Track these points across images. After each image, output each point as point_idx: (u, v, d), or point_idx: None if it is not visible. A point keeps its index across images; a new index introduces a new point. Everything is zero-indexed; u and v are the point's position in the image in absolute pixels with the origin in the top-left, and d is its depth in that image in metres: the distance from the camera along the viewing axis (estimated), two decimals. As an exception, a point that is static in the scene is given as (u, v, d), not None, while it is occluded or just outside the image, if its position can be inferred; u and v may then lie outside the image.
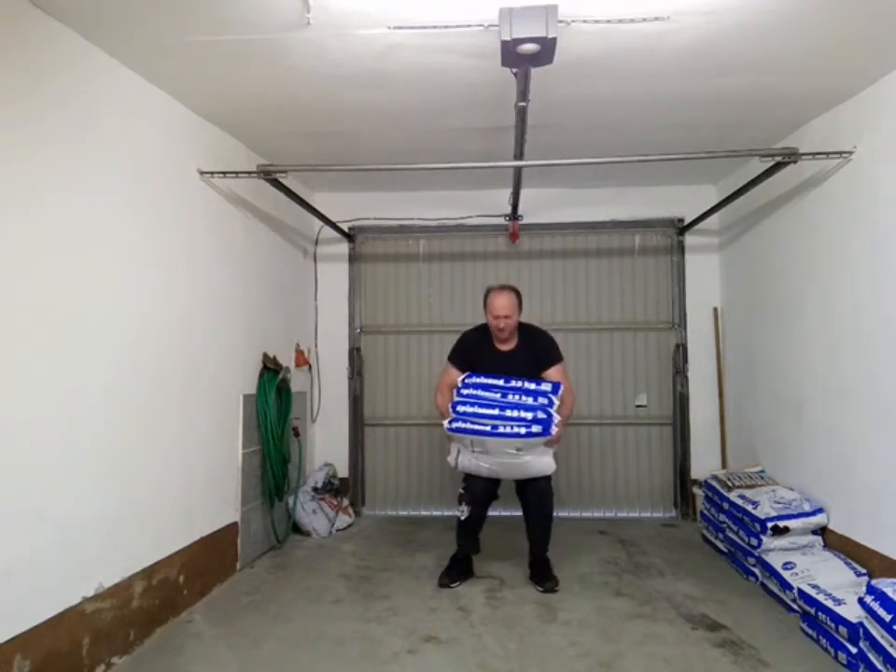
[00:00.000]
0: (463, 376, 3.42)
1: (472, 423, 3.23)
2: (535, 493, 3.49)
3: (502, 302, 3.47)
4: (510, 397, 3.26)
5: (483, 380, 3.36)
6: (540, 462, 3.36)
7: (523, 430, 3.16)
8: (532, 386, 3.29)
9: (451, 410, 3.31)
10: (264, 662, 2.65)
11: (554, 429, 3.18)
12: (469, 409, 3.26)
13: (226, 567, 3.60)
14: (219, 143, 3.65)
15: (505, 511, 4.69)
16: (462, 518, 3.54)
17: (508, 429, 3.17)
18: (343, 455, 5.19)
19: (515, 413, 3.20)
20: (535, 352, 3.57)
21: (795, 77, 3.02)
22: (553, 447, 3.39)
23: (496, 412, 3.21)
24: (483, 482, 3.51)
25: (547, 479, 3.50)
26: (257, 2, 2.33)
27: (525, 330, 3.63)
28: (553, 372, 3.52)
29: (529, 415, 3.18)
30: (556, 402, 3.26)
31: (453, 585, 3.46)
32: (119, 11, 2.37)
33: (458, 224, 5.15)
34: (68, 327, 2.44)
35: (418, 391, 5.19)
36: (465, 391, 3.34)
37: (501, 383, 3.32)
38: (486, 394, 3.30)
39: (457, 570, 3.55)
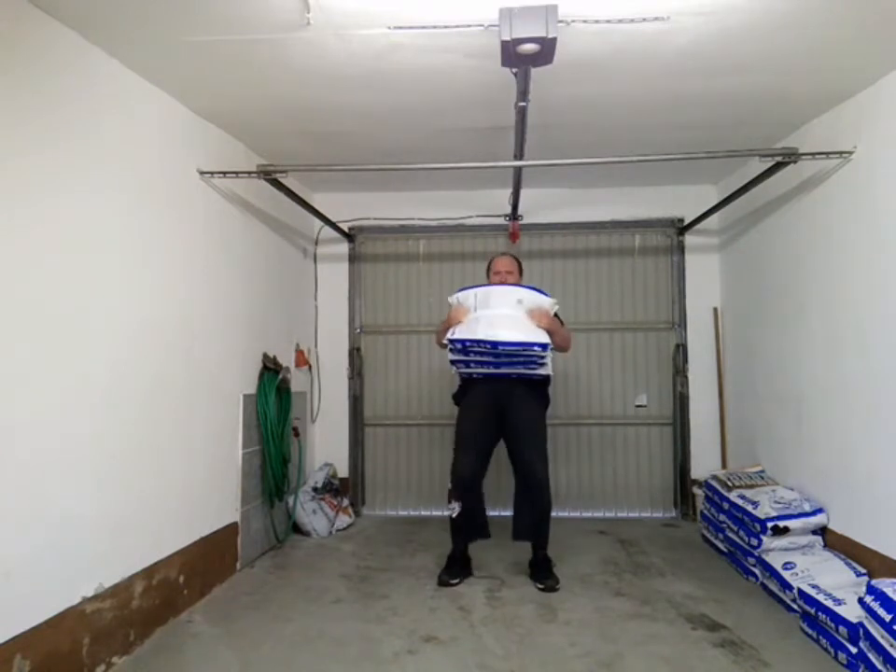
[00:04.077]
0: (448, 336, 3.46)
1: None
2: (534, 481, 3.48)
3: (504, 262, 3.77)
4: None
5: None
6: (536, 330, 3.37)
7: (525, 289, 3.53)
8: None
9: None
10: (264, 662, 2.65)
11: (551, 300, 3.50)
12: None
13: (226, 567, 3.60)
14: (219, 143, 3.65)
15: (505, 511, 4.69)
16: (453, 516, 3.53)
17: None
18: (343, 455, 5.19)
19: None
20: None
21: (795, 77, 3.02)
22: (542, 322, 3.42)
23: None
24: (470, 463, 3.50)
25: (545, 470, 3.51)
26: (257, 2, 2.33)
27: None
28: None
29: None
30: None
31: (453, 582, 3.46)
32: (119, 11, 2.37)
33: (458, 224, 5.15)
34: (68, 326, 2.44)
35: (418, 391, 5.20)
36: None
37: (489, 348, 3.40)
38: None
39: (457, 568, 3.56)
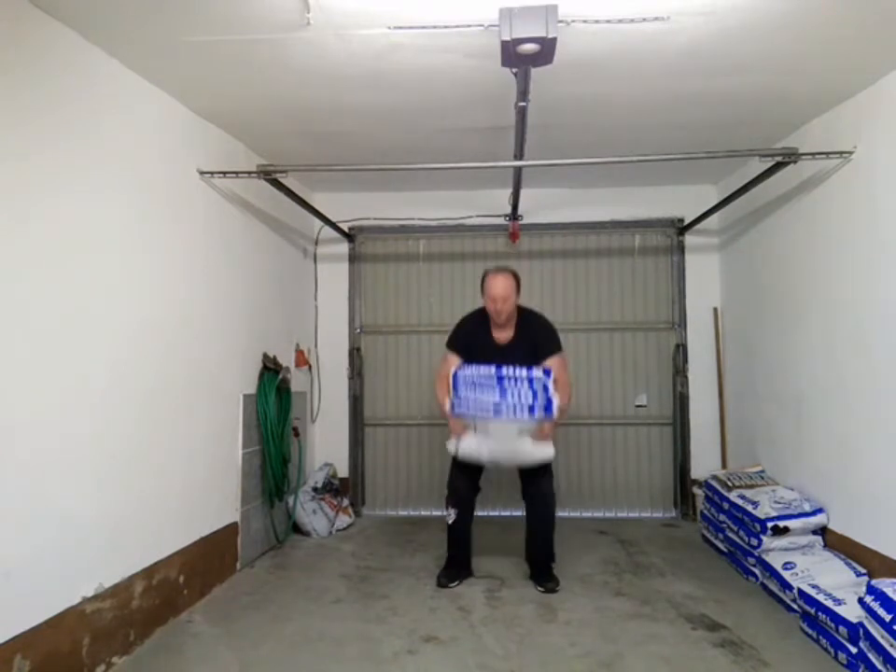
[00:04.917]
0: (454, 368, 3.38)
1: (475, 406, 3.23)
2: (539, 497, 3.50)
3: (500, 286, 3.38)
4: (505, 383, 3.21)
5: (474, 370, 3.29)
6: (541, 449, 3.33)
7: (525, 413, 3.17)
8: (524, 374, 3.22)
9: (452, 392, 3.30)
10: (264, 662, 2.65)
11: (556, 412, 3.16)
12: (470, 393, 3.25)
13: (226, 567, 3.60)
14: (219, 143, 3.65)
15: (504, 511, 4.70)
16: (450, 522, 3.56)
17: (510, 412, 3.17)
18: (343, 455, 5.19)
19: (515, 399, 3.18)
20: (533, 343, 3.47)
21: (795, 77, 3.02)
22: (547, 439, 3.37)
23: (496, 398, 3.19)
24: (466, 479, 3.54)
25: (550, 482, 3.53)
26: (257, 2, 2.33)
27: (524, 317, 3.54)
28: (549, 364, 3.42)
29: (530, 400, 3.17)
30: (552, 387, 3.21)
31: (451, 585, 3.46)
32: (119, 11, 2.37)
33: (458, 224, 5.15)
34: (68, 327, 2.44)
35: (418, 391, 5.19)
36: (462, 374, 3.31)
37: (493, 372, 3.25)
38: (483, 380, 3.27)
39: (455, 570, 3.55)
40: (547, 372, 3.24)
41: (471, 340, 3.55)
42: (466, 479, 3.56)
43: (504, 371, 3.23)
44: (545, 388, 3.18)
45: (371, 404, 5.29)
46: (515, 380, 3.21)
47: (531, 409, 3.17)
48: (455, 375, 3.33)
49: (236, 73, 2.93)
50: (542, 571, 3.50)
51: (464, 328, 3.66)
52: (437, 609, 3.17)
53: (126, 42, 2.61)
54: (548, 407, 3.16)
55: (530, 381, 3.20)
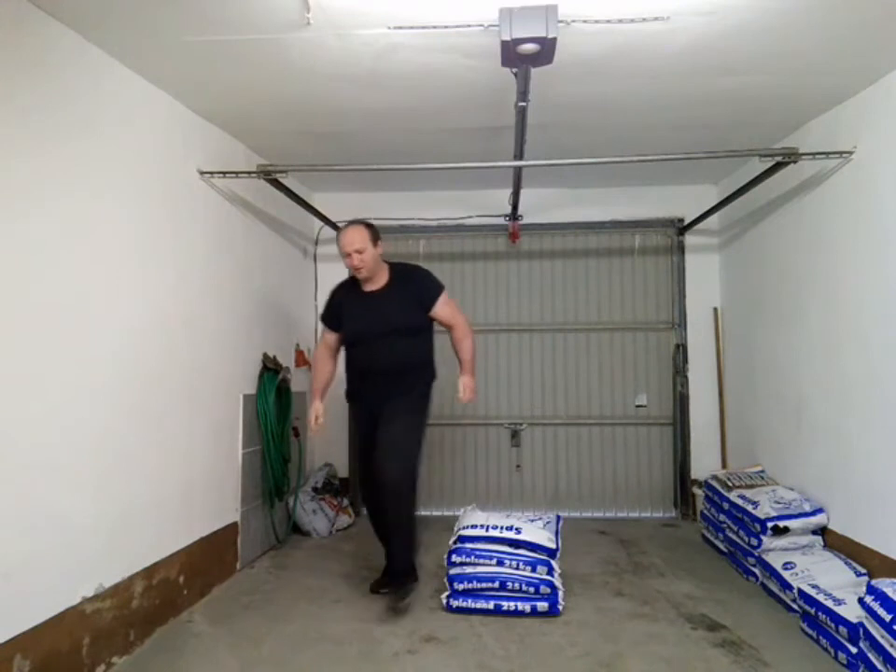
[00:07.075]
0: (459, 532, 3.22)
1: (474, 597, 3.09)
2: (385, 484, 3.04)
3: (350, 237, 3.16)
4: (507, 564, 3.08)
5: (481, 544, 3.15)
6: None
7: (528, 608, 3.04)
8: (531, 555, 3.09)
9: (447, 561, 3.18)
10: (264, 662, 2.65)
11: (560, 605, 3.05)
12: (468, 570, 3.11)
13: (226, 567, 3.60)
14: (219, 143, 3.65)
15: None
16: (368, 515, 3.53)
17: (511, 607, 3.05)
18: (343, 455, 5.19)
19: (517, 586, 3.05)
20: (411, 289, 3.32)
21: (795, 77, 3.02)
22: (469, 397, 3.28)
23: (496, 584, 3.06)
24: (367, 471, 3.33)
25: (405, 464, 3.10)
26: (257, 2, 2.33)
27: (397, 269, 3.38)
28: (440, 310, 3.34)
29: (531, 590, 3.04)
30: (557, 568, 3.12)
31: (382, 591, 3.23)
32: (119, 11, 2.37)
33: (458, 224, 5.15)
34: (67, 327, 2.44)
35: (418, 391, 5.19)
36: (465, 543, 3.17)
37: (497, 547, 3.11)
38: (485, 551, 3.13)
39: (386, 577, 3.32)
40: (553, 552, 3.12)
41: (340, 302, 3.40)
42: (367, 469, 3.32)
43: (507, 543, 3.09)
44: (550, 570, 3.09)
45: (370, 404, 5.28)
46: (519, 561, 3.08)
47: (533, 602, 3.04)
48: (461, 532, 3.21)
49: (236, 73, 2.93)
50: (391, 578, 3.20)
51: (332, 294, 3.48)
52: (437, 608, 3.17)
53: (126, 42, 2.61)
54: (553, 603, 3.04)
55: (534, 564, 3.08)
